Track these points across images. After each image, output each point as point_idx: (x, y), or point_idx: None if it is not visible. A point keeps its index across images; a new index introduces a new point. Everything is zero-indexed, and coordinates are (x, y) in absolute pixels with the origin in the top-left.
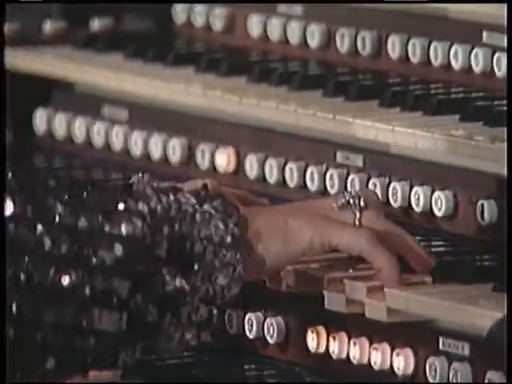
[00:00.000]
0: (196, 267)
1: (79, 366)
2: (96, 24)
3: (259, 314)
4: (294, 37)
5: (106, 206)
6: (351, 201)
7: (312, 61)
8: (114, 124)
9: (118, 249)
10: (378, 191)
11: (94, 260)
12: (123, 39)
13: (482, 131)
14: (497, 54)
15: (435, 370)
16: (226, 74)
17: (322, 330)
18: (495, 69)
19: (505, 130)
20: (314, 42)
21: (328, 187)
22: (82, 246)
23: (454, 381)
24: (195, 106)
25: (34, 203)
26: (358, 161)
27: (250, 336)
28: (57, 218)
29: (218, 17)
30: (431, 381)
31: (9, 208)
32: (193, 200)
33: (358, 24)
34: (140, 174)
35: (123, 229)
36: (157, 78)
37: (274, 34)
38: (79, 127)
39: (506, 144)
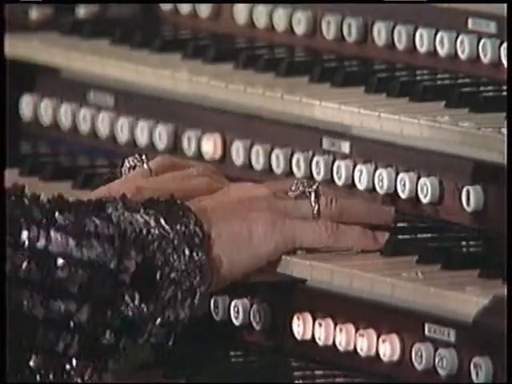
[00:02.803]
0: (159, 292)
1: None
2: (82, 10)
3: (245, 300)
4: (280, 24)
5: (75, 230)
6: (306, 190)
7: (298, 47)
8: (100, 110)
9: (83, 275)
10: (364, 178)
11: (56, 284)
12: (109, 25)
13: (467, 117)
14: (482, 41)
15: (421, 357)
16: (212, 60)
17: (307, 316)
18: (481, 55)
19: (491, 116)
20: (300, 28)
21: (314, 174)
22: (47, 268)
23: (440, 367)
24: (182, 93)
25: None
26: (344, 147)
27: (236, 323)
28: (26, 242)
29: (205, 3)
30: (417, 367)
31: None
32: (162, 222)
33: (344, 11)
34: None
35: (91, 254)
36: (143, 64)
37: (261, 20)
38: (65, 113)
39: (505, 131)
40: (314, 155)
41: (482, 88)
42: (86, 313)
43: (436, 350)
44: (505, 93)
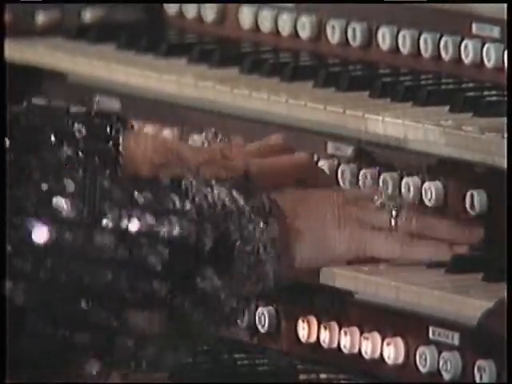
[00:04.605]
0: (235, 266)
1: (120, 366)
2: (88, 15)
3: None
4: (285, 28)
5: (156, 209)
6: (388, 203)
7: (303, 52)
8: None
9: (165, 252)
10: (369, 182)
11: (142, 263)
12: (115, 30)
13: (471, 122)
14: (486, 45)
15: (425, 360)
16: (217, 64)
17: (313, 319)
18: (485, 60)
19: (495, 120)
20: (305, 33)
21: None
22: (131, 248)
23: (444, 370)
24: (187, 97)
25: (87, 204)
26: (349, 151)
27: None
28: (105, 221)
29: (210, 8)
30: (421, 370)
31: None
32: (236, 196)
33: (349, 15)
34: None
35: (171, 231)
36: (149, 69)
37: (266, 25)
38: None
39: (506, 138)
40: (318, 159)
41: (485, 92)
42: (167, 289)
43: (440, 353)
44: None
